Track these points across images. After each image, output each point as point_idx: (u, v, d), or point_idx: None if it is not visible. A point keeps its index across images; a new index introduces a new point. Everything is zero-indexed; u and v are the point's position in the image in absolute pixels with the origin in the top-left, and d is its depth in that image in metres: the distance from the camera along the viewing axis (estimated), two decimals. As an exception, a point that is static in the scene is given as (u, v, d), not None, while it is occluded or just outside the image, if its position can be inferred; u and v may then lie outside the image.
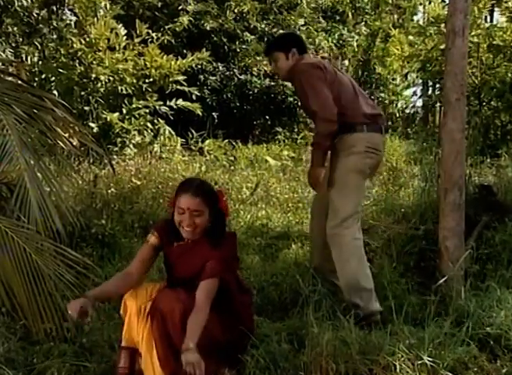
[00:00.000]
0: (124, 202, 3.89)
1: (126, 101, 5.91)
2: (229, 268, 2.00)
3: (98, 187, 3.99)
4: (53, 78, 5.85)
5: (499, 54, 4.65)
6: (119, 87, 5.84)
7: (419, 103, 10.14)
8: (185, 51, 6.92)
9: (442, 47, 3.89)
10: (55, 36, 6.14)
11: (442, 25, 4.03)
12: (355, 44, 9.68)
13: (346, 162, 2.51)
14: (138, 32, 6.00)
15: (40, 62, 6.14)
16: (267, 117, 8.35)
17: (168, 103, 6.10)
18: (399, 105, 10.71)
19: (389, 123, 10.11)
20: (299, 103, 2.84)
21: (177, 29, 7.10)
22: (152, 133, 6.06)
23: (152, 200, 4.06)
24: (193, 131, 6.66)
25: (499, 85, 4.52)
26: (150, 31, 6.16)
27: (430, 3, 10.37)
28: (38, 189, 1.99)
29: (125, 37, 5.92)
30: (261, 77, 8.05)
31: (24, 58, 6.16)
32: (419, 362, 1.87)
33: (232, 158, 6.39)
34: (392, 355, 1.90)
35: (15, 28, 6.02)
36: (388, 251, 2.92)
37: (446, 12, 3.06)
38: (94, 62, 5.78)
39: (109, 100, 5.98)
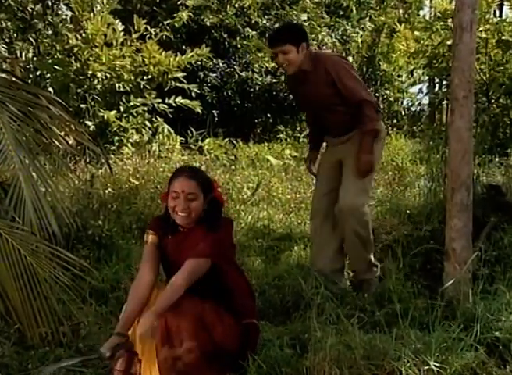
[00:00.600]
0: (122, 203, 3.86)
1: (123, 99, 5.84)
2: (223, 254, 1.94)
3: (95, 187, 3.95)
4: (48, 75, 5.79)
5: (508, 50, 4.56)
6: (117, 85, 5.77)
7: (425, 101, 9.96)
8: (184, 47, 6.86)
9: (449, 42, 3.84)
10: (50, 31, 6.06)
11: (450, 20, 3.98)
12: (359, 39, 9.54)
13: (376, 147, 2.72)
14: (136, 27, 5.93)
15: (35, 59, 6.07)
16: (268, 115, 8.27)
17: (166, 101, 6.03)
18: (404, 103, 10.57)
19: (394, 121, 10.08)
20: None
21: (176, 24, 7.03)
22: (150, 132, 5.99)
23: (150, 200, 4.01)
24: (192, 130, 6.58)
25: (508, 82, 4.44)
26: (148, 27, 6.09)
27: (437, -3, 10.24)
28: (33, 189, 1.96)
29: (122, 33, 5.84)
30: (263, 74, 7.99)
31: (18, 55, 6.10)
32: (425, 367, 1.83)
33: (232, 157, 6.32)
34: (398, 360, 1.86)
35: (9, 23, 5.93)
36: (393, 252, 2.89)
37: (453, 7, 3.01)
38: (91, 58, 5.70)
39: (106, 97, 5.90)
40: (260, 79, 7.91)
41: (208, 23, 7.57)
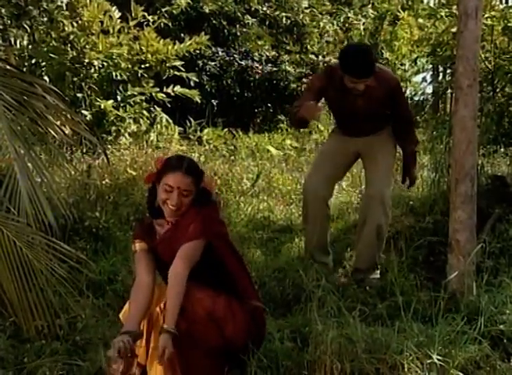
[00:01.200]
0: (119, 194, 3.81)
1: (120, 88, 5.75)
2: (215, 230, 1.91)
3: (92, 177, 3.89)
4: (44, 63, 5.67)
5: (514, 37, 4.49)
6: (114, 73, 5.67)
7: (429, 89, 9.83)
8: (183, 35, 6.75)
9: (453, 30, 3.75)
10: (45, 18, 5.91)
11: (454, 7, 3.87)
12: (362, 27, 9.41)
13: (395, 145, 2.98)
14: (133, 15, 5.81)
15: (29, 47, 5.94)
16: (269, 105, 8.17)
17: (165, 90, 5.93)
18: (408, 92, 10.42)
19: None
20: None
21: (174, 11, 6.92)
22: (148, 122, 5.90)
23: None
24: (191, 119, 6.52)
25: (514, 70, 4.38)
26: (146, 14, 5.96)
27: (441, -17, 10.10)
28: (29, 180, 1.91)
29: (119, 20, 5.72)
30: (263, 63, 7.90)
31: (13, 42, 5.95)
32: (428, 361, 1.82)
33: (232, 147, 6.24)
34: (400, 353, 1.85)
35: (2, 10, 5.78)
36: (395, 244, 2.84)
37: (457, -7, 2.93)
38: (87, 46, 5.60)
39: (103, 86, 5.81)
40: (260, 67, 7.82)
41: (206, 11, 7.47)
